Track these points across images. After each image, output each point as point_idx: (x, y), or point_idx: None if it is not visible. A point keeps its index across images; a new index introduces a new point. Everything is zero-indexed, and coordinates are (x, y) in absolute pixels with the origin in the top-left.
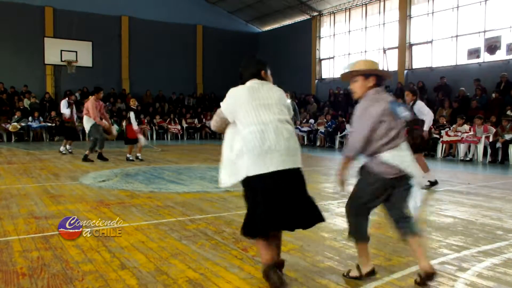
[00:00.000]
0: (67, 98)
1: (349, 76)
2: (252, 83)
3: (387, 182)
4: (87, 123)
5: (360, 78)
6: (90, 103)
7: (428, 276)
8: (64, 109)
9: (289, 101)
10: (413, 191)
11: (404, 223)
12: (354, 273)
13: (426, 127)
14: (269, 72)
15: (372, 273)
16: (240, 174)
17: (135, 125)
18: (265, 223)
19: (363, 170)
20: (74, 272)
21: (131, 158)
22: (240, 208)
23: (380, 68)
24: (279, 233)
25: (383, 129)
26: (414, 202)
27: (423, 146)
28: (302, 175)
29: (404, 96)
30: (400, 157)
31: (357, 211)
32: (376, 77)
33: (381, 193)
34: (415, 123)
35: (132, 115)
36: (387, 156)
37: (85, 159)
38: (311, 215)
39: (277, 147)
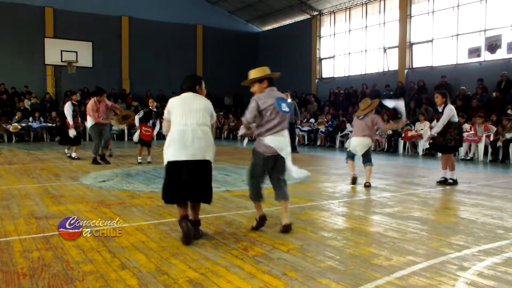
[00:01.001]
0: (71, 101)
1: (248, 82)
2: (185, 94)
3: (266, 158)
4: (88, 124)
5: (256, 83)
6: (89, 105)
7: (285, 227)
8: (70, 115)
9: (289, 100)
10: (287, 166)
11: (278, 190)
12: (255, 224)
13: (435, 128)
14: (203, 86)
15: (264, 218)
16: (167, 158)
17: (136, 123)
18: (171, 195)
19: (253, 150)
20: (75, 272)
21: (148, 160)
22: (240, 208)
23: (270, 72)
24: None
25: (265, 118)
26: (291, 171)
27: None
28: (208, 166)
29: (403, 94)
30: (277, 141)
31: (253, 181)
32: (268, 80)
33: (264, 167)
34: (448, 126)
35: (140, 113)
36: (267, 139)
37: (95, 161)
38: (200, 195)
39: (191, 144)
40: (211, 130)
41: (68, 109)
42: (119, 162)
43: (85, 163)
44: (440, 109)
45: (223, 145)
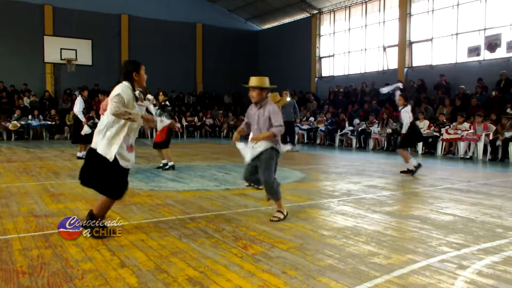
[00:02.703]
0: (80, 96)
1: (259, 88)
2: None
3: None
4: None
5: (261, 91)
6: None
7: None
8: (81, 113)
9: (288, 99)
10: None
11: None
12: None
13: (403, 130)
14: (142, 71)
15: None
16: None
17: (161, 123)
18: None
19: (275, 149)
20: (74, 270)
21: (167, 165)
22: (240, 207)
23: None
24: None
25: None
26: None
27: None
28: (96, 156)
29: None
30: None
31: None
32: (266, 89)
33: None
34: (401, 127)
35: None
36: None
37: None
38: (89, 181)
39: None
40: (111, 118)
41: (80, 105)
42: None
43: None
44: (399, 108)
45: (222, 144)
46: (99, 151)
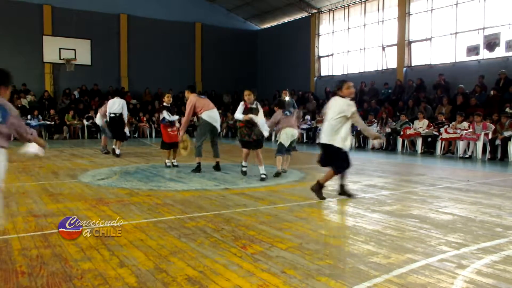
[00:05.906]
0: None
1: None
2: None
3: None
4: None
5: None
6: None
7: None
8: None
9: (287, 98)
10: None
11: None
12: None
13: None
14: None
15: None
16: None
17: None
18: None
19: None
20: (73, 270)
21: (168, 164)
22: (238, 206)
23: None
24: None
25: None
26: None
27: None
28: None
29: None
30: None
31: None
32: None
33: None
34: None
35: (165, 113)
36: None
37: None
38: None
39: None
40: None
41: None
42: (118, 159)
43: (83, 161)
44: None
45: (221, 143)
46: (337, 145)
